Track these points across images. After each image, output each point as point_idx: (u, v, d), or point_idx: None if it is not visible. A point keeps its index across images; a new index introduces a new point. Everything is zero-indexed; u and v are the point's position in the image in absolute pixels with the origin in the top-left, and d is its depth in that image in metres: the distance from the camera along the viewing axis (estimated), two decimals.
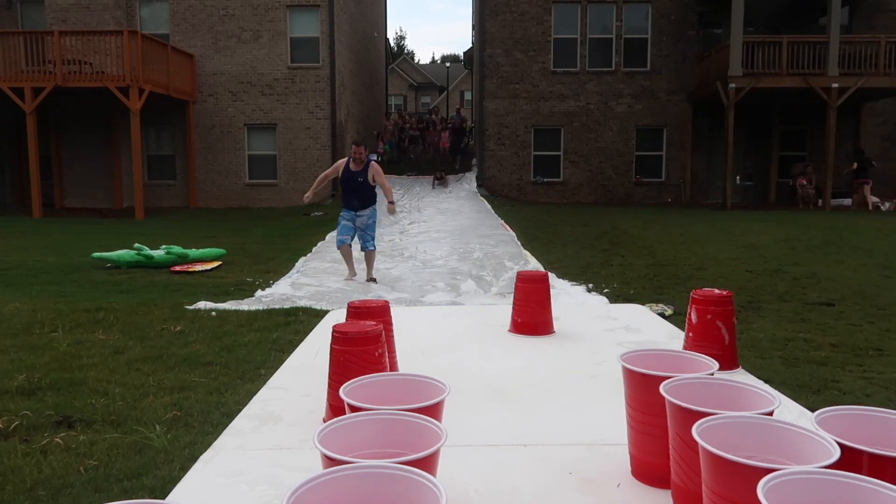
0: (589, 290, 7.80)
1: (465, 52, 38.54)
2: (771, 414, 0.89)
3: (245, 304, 6.99)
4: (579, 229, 13.25)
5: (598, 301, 7.19)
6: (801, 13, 19.59)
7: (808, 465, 0.70)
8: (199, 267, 9.36)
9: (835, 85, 17.04)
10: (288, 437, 1.26)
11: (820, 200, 18.06)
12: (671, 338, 2.00)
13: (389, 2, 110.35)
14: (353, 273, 8.57)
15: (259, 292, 7.71)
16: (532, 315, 2.19)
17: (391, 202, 8.42)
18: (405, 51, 72.27)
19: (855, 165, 17.98)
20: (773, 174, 20.43)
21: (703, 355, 1.15)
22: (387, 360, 1.37)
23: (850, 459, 0.76)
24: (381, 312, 1.78)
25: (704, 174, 20.50)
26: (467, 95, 46.17)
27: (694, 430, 0.80)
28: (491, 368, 1.72)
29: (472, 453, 1.18)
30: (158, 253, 9.50)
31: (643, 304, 4.92)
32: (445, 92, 50.83)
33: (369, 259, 8.51)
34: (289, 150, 19.69)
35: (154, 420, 3.76)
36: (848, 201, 18.76)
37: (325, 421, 1.31)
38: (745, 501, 0.71)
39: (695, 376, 1.02)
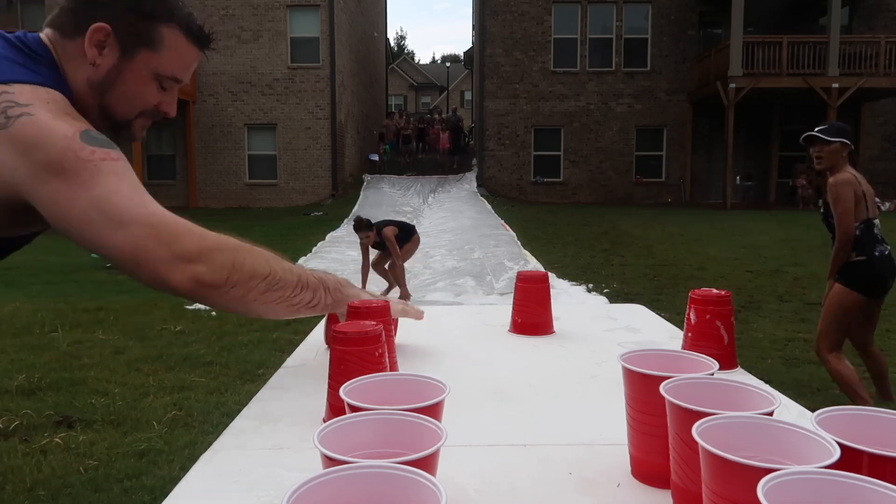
0: (589, 290, 7.80)
1: (465, 52, 38.56)
2: (771, 414, 0.89)
3: None
4: (579, 229, 13.26)
5: (598, 301, 7.19)
6: (801, 13, 19.61)
7: (808, 465, 0.70)
8: None
9: (835, 85, 17.05)
10: (288, 437, 1.26)
11: (819, 201, 18.09)
12: (671, 338, 2.01)
13: (390, 2, 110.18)
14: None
15: None
16: (532, 315, 2.19)
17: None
18: (405, 51, 72.33)
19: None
20: (773, 174, 20.44)
21: (703, 355, 1.15)
22: (387, 360, 1.38)
23: (850, 459, 0.76)
24: (381, 312, 1.79)
25: (704, 174, 20.51)
26: (467, 95, 46.17)
27: (694, 430, 0.80)
28: (491, 368, 1.72)
29: (472, 453, 1.18)
30: None
31: (643, 304, 4.95)
32: (445, 92, 50.86)
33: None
34: (289, 150, 19.70)
35: (154, 420, 3.76)
36: None
37: (325, 421, 1.32)
38: (745, 501, 0.71)
39: (695, 376, 1.02)
